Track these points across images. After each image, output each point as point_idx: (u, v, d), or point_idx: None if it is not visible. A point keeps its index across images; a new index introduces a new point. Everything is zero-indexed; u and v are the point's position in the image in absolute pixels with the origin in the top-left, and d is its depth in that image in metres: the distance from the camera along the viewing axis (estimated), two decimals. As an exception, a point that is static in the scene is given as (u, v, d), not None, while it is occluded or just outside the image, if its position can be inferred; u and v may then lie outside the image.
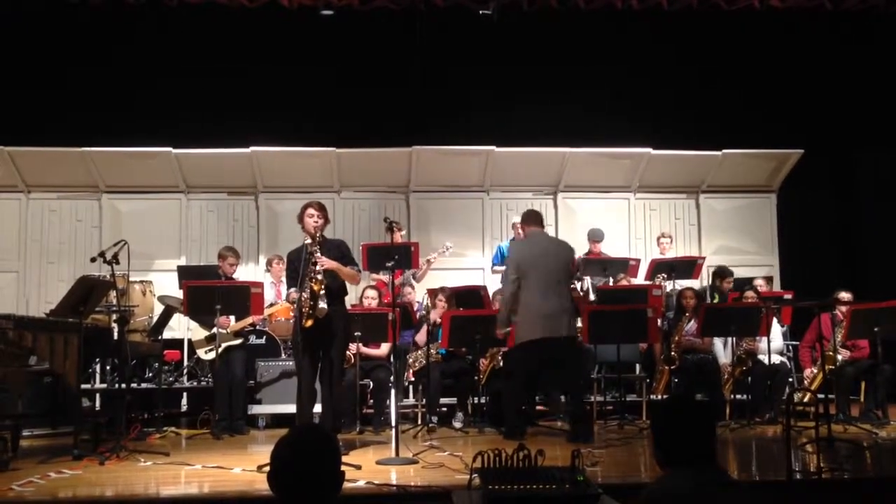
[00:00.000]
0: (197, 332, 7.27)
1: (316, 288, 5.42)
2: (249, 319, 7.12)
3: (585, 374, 7.24)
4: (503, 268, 8.60)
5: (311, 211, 5.72)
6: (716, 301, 8.00)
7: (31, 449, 5.93)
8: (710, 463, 2.46)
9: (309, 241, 5.60)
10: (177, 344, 8.47)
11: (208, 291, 6.71)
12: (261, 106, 9.46)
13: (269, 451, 2.30)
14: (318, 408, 5.82)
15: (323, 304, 5.48)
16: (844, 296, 7.30)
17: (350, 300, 8.26)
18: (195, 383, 7.98)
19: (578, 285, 7.99)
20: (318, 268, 5.46)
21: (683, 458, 2.46)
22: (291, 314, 5.84)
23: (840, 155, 10.13)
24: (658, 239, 9.38)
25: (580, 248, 8.49)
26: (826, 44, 9.84)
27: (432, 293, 7.63)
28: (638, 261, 8.74)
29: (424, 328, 7.25)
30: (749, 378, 7.30)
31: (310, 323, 5.41)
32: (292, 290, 5.73)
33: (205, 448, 6.09)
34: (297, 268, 5.67)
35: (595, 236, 8.98)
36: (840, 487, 4.44)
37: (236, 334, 7.08)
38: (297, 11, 9.57)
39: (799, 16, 9.79)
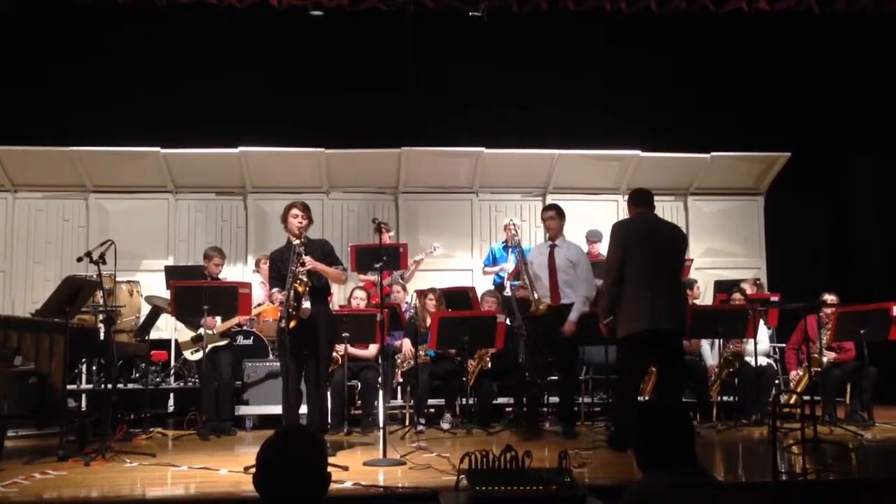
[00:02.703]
0: (183, 333, 7.25)
1: (301, 289, 5.39)
2: (235, 320, 7.10)
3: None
4: (494, 269, 8.63)
5: (295, 211, 5.67)
6: None
7: (16, 450, 5.90)
8: (691, 465, 2.47)
9: (296, 241, 5.55)
10: (164, 344, 8.44)
11: (196, 292, 6.69)
12: (249, 106, 9.41)
13: (255, 452, 2.29)
14: (304, 409, 5.80)
15: (307, 305, 5.45)
16: (830, 298, 7.35)
17: (338, 301, 8.26)
18: (182, 384, 7.95)
19: None
20: (303, 269, 5.43)
21: (663, 460, 2.47)
22: (279, 314, 5.82)
23: (827, 158, 10.17)
24: (647, 241, 9.38)
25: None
26: (814, 46, 9.88)
27: (421, 294, 7.62)
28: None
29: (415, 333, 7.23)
30: (736, 380, 7.33)
31: (293, 324, 5.39)
32: (275, 289, 5.70)
33: (191, 449, 6.07)
34: (280, 268, 5.65)
35: (593, 237, 8.94)
36: (826, 489, 4.46)
37: (223, 335, 7.06)
38: (286, 12, 9.53)
39: (787, 19, 9.83)
